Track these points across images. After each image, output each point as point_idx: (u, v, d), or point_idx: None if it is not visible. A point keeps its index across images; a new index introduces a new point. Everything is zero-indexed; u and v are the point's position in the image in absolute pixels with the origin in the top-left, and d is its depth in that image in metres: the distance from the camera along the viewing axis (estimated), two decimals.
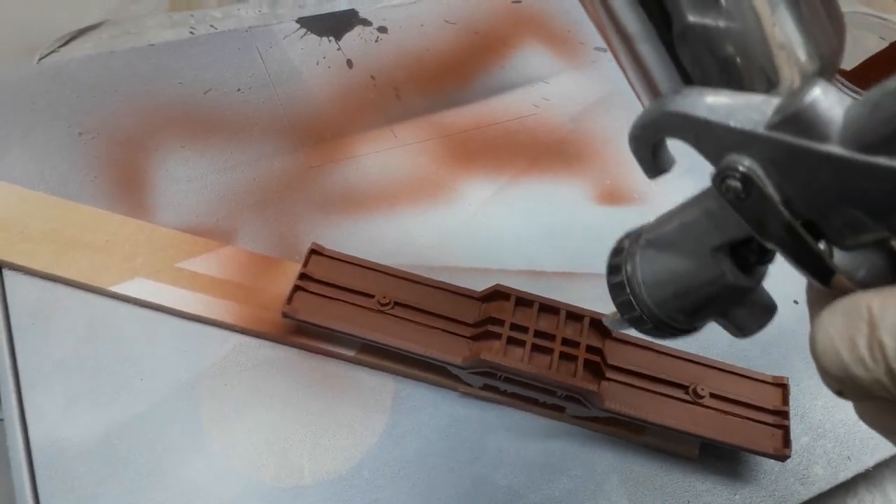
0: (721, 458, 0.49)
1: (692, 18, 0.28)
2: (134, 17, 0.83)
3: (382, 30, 0.68)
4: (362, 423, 0.48)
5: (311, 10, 0.74)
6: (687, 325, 0.33)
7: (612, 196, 0.60)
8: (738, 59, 0.29)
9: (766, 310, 0.31)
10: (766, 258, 0.29)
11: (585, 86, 0.67)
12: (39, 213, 0.52)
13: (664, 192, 0.61)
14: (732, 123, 0.25)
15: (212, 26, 0.79)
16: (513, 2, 0.72)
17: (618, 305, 0.34)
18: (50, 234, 0.51)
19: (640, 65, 0.33)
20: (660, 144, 0.29)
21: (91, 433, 0.45)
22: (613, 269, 0.34)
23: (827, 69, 0.29)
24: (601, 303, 0.54)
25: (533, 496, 0.46)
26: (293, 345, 0.49)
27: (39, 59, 0.70)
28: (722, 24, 0.28)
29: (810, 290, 0.28)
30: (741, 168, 0.25)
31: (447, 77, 0.65)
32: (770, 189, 0.24)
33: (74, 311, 0.50)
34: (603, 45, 0.72)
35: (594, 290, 0.55)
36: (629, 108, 0.66)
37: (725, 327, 0.32)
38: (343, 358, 0.49)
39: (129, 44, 0.69)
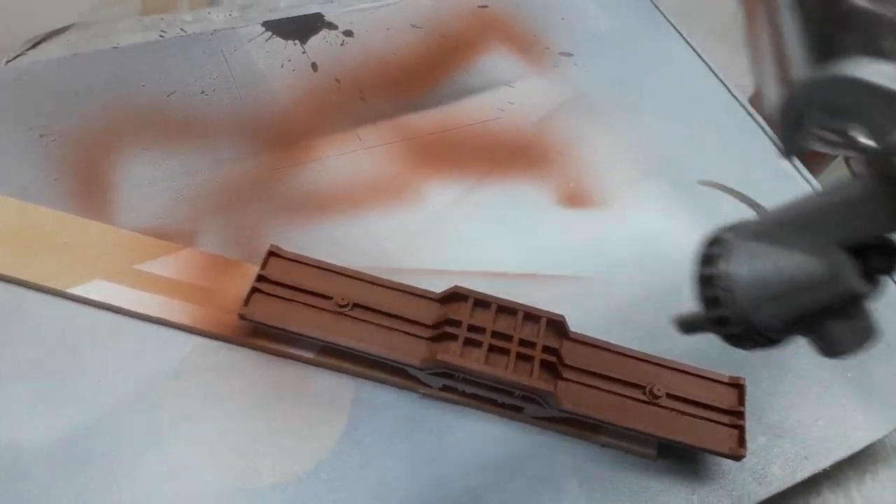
0: (679, 458, 0.49)
1: (860, 2, 0.25)
2: (104, 20, 0.83)
3: (348, 33, 0.68)
4: (322, 425, 0.48)
5: (281, 14, 0.74)
6: (778, 334, 0.30)
7: (575, 199, 0.61)
8: None
9: (868, 331, 0.28)
10: (893, 262, 0.27)
11: (549, 90, 0.68)
12: None
13: (625, 194, 0.62)
14: None
15: (182, 30, 0.79)
16: (479, 6, 0.72)
17: (703, 302, 0.31)
18: (10, 237, 0.51)
19: (776, 38, 0.30)
20: (805, 118, 0.26)
21: (50, 435, 0.45)
22: (706, 259, 0.31)
23: None
24: (561, 304, 0.54)
25: (491, 496, 0.46)
26: (252, 347, 0.49)
27: (7, 62, 0.69)
28: (891, 13, 0.25)
29: None
30: None
31: (413, 80, 0.66)
32: None
33: (34, 314, 0.49)
34: (568, 49, 0.73)
35: (555, 291, 0.56)
36: (592, 111, 0.67)
37: (816, 344, 0.29)
38: (302, 360, 0.49)
39: (98, 47, 0.69)
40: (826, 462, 0.51)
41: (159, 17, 0.83)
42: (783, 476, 0.50)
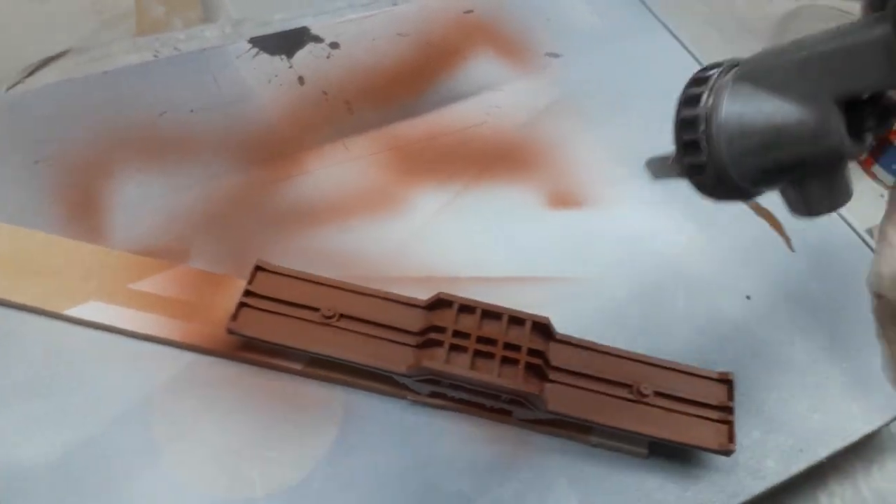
0: (671, 456, 0.49)
1: None
2: (100, 44, 0.84)
3: (334, 45, 0.69)
4: (312, 435, 0.48)
5: (275, 28, 0.75)
6: (754, 186, 0.28)
7: (563, 200, 0.61)
8: None
9: (844, 192, 0.26)
10: (885, 123, 0.25)
11: (536, 92, 0.68)
12: None
13: (613, 193, 0.62)
14: None
15: (176, 49, 0.80)
16: (465, 12, 0.73)
17: (681, 145, 0.29)
18: (6, 261, 0.52)
19: None
20: None
21: (48, 454, 0.46)
22: (689, 100, 0.28)
23: None
24: (550, 306, 0.54)
25: (482, 500, 0.47)
26: (243, 361, 0.50)
27: (7, 90, 0.71)
28: None
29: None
30: None
31: (399, 89, 0.66)
32: None
33: (31, 336, 0.50)
34: (555, 50, 0.73)
35: (544, 293, 0.56)
36: (580, 112, 0.67)
37: (789, 199, 0.28)
38: (293, 372, 0.50)
39: (93, 71, 0.70)
40: (822, 454, 0.51)
41: (154, 37, 0.84)
42: (778, 469, 0.50)
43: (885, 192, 0.87)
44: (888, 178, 0.87)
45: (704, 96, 0.27)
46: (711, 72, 0.28)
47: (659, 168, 0.31)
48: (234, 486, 0.46)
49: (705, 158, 0.27)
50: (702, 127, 0.27)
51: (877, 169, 0.88)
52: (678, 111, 0.29)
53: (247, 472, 0.47)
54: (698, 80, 0.28)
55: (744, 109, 0.26)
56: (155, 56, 0.76)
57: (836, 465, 0.64)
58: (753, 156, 0.26)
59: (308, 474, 0.47)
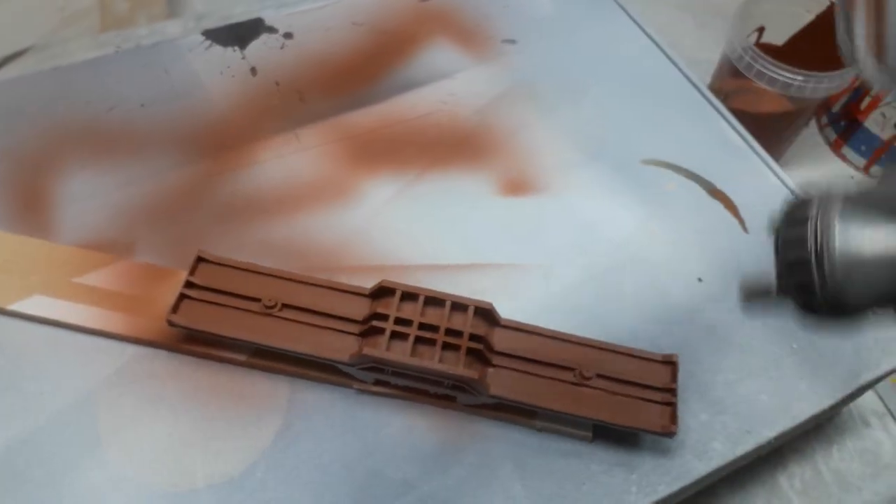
0: (617, 440, 0.49)
1: None
2: (60, 40, 0.84)
3: (288, 36, 0.68)
4: (256, 426, 0.48)
5: (236, 21, 0.74)
6: (866, 306, 0.27)
7: (516, 187, 0.61)
8: None
9: None
10: None
11: (491, 79, 0.68)
12: None
13: (566, 179, 0.62)
14: None
15: (138, 45, 0.80)
16: (421, 0, 0.73)
17: (792, 286, 0.28)
18: None
19: None
20: None
21: None
22: (794, 242, 0.27)
23: None
24: (501, 292, 0.55)
25: (426, 487, 0.47)
26: (187, 353, 0.50)
27: None
28: None
29: None
30: None
31: (352, 78, 0.66)
32: None
33: None
34: (511, 36, 0.73)
35: (495, 280, 0.56)
36: (535, 98, 0.66)
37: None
38: (237, 363, 0.50)
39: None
40: (769, 435, 0.51)
41: (116, 33, 0.84)
42: (724, 451, 0.50)
43: (855, 174, 0.87)
44: (858, 160, 0.87)
45: (813, 237, 0.27)
46: (810, 207, 0.28)
47: (755, 290, 0.31)
48: (177, 477, 0.46)
49: (819, 298, 0.27)
50: (814, 269, 0.27)
51: (846, 150, 0.88)
52: (783, 229, 0.28)
53: (189, 463, 0.47)
54: (794, 220, 0.28)
55: (868, 245, 0.26)
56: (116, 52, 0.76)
57: (796, 447, 0.65)
58: (882, 287, 0.26)
59: (251, 465, 0.47)
